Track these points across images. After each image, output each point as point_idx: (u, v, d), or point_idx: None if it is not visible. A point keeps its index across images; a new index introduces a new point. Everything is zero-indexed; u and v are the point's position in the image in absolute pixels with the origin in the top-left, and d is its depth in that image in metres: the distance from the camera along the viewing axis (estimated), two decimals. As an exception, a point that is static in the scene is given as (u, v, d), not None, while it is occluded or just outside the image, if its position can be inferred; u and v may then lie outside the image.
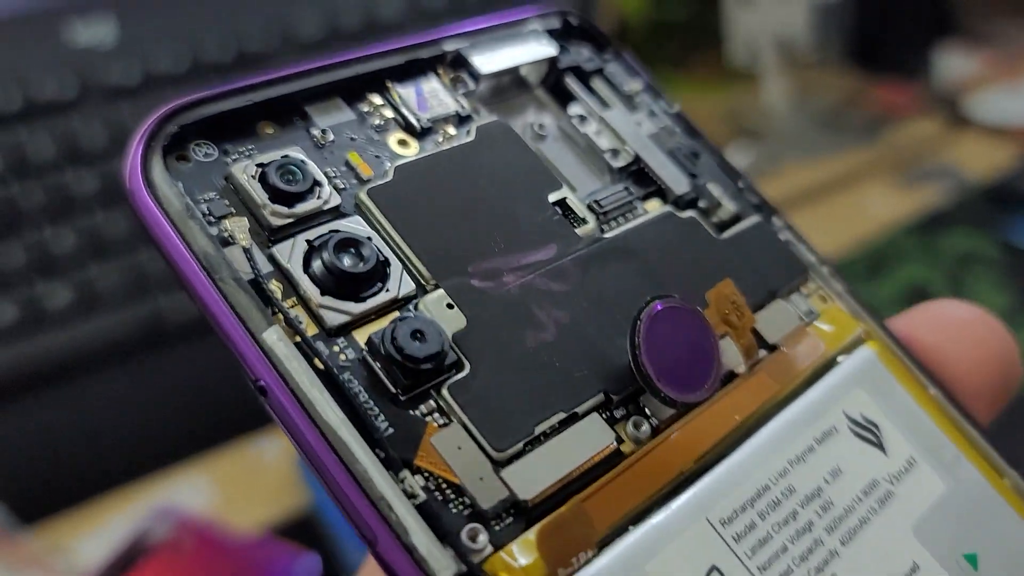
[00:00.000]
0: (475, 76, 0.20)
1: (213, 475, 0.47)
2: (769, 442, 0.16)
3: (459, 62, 0.20)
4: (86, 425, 0.47)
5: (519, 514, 0.14)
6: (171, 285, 0.48)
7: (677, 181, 0.20)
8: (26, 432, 0.45)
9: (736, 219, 0.20)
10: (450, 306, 0.16)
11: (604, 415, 0.15)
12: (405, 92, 0.19)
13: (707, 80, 0.75)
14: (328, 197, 0.16)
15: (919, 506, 0.16)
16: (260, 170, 0.16)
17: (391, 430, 0.14)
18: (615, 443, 0.15)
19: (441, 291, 0.16)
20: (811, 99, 0.74)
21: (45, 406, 0.46)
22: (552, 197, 0.18)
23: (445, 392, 0.15)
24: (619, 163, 0.20)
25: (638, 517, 0.14)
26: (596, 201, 0.19)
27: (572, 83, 0.21)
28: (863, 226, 0.64)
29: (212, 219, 0.15)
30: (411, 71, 0.19)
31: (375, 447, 0.14)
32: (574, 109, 0.20)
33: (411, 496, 0.13)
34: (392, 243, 0.16)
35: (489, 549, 0.13)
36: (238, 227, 0.16)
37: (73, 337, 0.46)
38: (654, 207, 0.19)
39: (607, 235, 0.18)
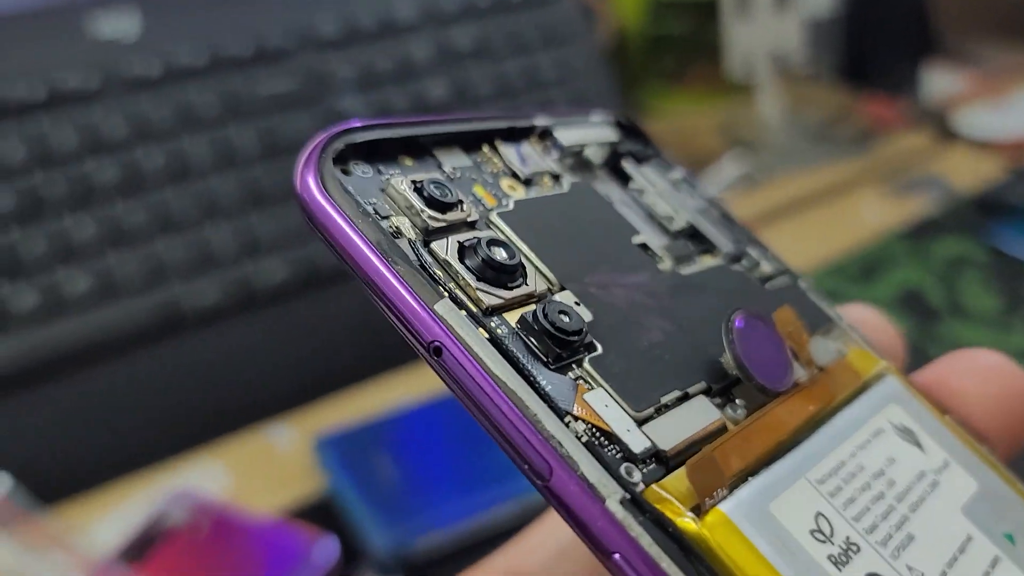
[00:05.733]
0: (559, 147, 0.23)
1: (227, 461, 0.48)
2: (836, 432, 0.18)
3: (545, 135, 0.23)
4: (102, 410, 0.47)
5: (659, 462, 0.16)
6: (189, 273, 0.49)
7: (725, 243, 0.23)
8: (46, 416, 0.46)
9: (771, 277, 0.23)
10: (577, 303, 0.18)
11: (708, 400, 0.18)
12: (508, 151, 0.22)
13: (704, 93, 0.77)
14: (470, 212, 0.19)
15: (961, 495, 0.18)
16: (415, 184, 0.19)
17: (550, 387, 0.16)
18: (722, 418, 0.18)
19: (568, 291, 0.18)
20: (804, 112, 0.76)
21: (64, 391, 0.46)
22: (635, 240, 0.22)
23: (587, 364, 0.17)
24: (675, 227, 0.23)
25: (749, 474, 0.17)
26: (668, 250, 0.22)
27: (629, 165, 0.24)
28: (855, 233, 0.66)
29: (379, 217, 0.18)
30: (512, 136, 0.23)
31: (542, 399, 0.16)
32: (633, 185, 0.24)
33: (577, 436, 0.16)
34: (521, 254, 0.19)
35: (642, 485, 0.16)
36: (402, 224, 0.18)
37: (92, 323, 0.47)
38: (708, 261, 0.23)
39: (682, 273, 0.22)
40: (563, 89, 0.61)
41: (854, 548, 0.16)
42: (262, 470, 0.47)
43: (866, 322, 0.22)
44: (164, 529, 0.43)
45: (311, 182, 0.18)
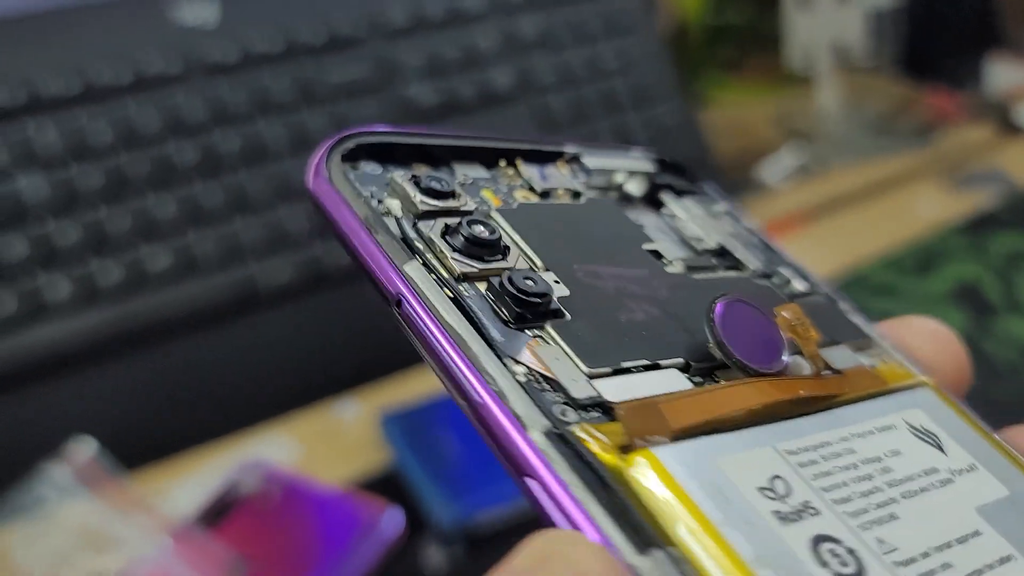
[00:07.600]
0: (586, 171, 0.24)
1: (297, 434, 0.50)
2: (833, 420, 0.17)
3: (573, 159, 0.24)
4: (181, 382, 0.49)
5: (604, 412, 0.16)
6: (265, 252, 0.51)
7: (754, 261, 0.23)
8: (128, 386, 0.48)
9: (803, 295, 0.22)
10: (556, 282, 0.19)
11: (682, 374, 0.18)
12: (530, 169, 0.23)
13: (762, 83, 0.77)
14: (465, 203, 0.20)
15: (982, 497, 0.17)
16: (414, 177, 0.20)
17: (499, 336, 0.17)
18: (691, 389, 0.18)
19: (551, 273, 0.19)
20: (863, 104, 0.76)
21: (146, 363, 0.49)
22: (646, 247, 0.22)
23: (549, 327, 0.18)
24: (703, 247, 0.23)
25: (707, 433, 0.16)
26: (683, 260, 0.22)
27: (666, 195, 0.25)
28: (912, 226, 0.66)
29: (372, 199, 0.20)
30: (536, 158, 0.24)
31: (487, 344, 0.17)
32: (665, 211, 0.24)
33: (514, 376, 0.16)
34: (512, 241, 0.20)
35: (574, 426, 0.16)
36: (392, 206, 0.20)
37: (172, 299, 0.49)
38: (731, 275, 0.22)
39: (693, 277, 0.22)
40: (624, 78, 0.62)
41: (811, 511, 0.15)
42: (330, 443, 0.49)
43: (931, 334, 0.21)
44: (238, 496, 0.45)
45: (317, 168, 0.20)
